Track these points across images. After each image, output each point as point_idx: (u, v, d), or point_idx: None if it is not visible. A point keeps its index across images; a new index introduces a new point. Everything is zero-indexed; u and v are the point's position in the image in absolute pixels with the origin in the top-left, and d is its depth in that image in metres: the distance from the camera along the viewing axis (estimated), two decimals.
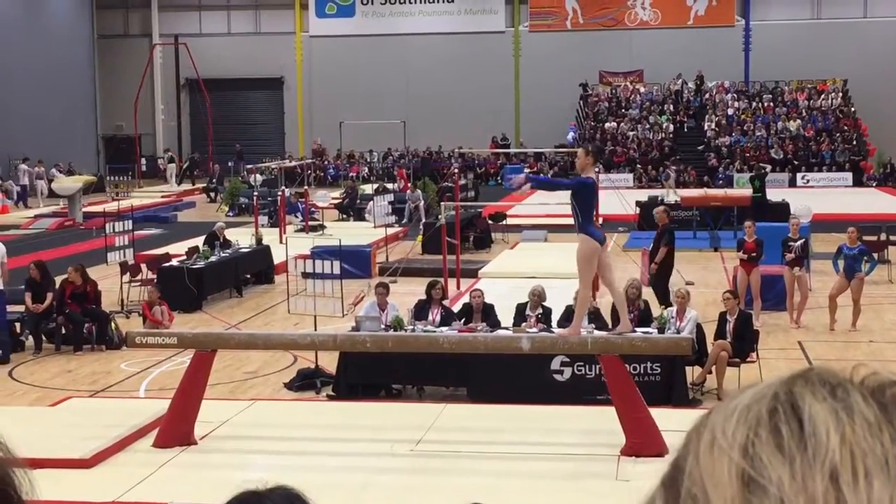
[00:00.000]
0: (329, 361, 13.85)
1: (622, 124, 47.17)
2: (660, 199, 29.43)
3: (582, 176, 10.52)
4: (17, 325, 16.29)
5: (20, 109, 43.61)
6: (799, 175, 42.68)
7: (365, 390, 13.36)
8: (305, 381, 13.78)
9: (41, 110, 44.94)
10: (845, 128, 45.44)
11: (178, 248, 22.77)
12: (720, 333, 13.77)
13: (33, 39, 45.26)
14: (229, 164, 44.61)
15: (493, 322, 13.81)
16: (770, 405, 0.77)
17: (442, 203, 22.14)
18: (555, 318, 14.01)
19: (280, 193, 28.57)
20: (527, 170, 44.83)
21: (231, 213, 34.32)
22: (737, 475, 0.74)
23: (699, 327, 13.56)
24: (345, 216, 32.76)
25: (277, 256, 21.12)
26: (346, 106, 48.04)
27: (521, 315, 14.00)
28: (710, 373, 13.35)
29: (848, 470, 0.73)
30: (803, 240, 17.22)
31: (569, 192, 10.41)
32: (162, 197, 41.00)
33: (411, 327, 13.36)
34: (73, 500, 9.44)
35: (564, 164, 45.67)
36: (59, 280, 16.86)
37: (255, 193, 28.69)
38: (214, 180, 41.91)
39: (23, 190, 38.99)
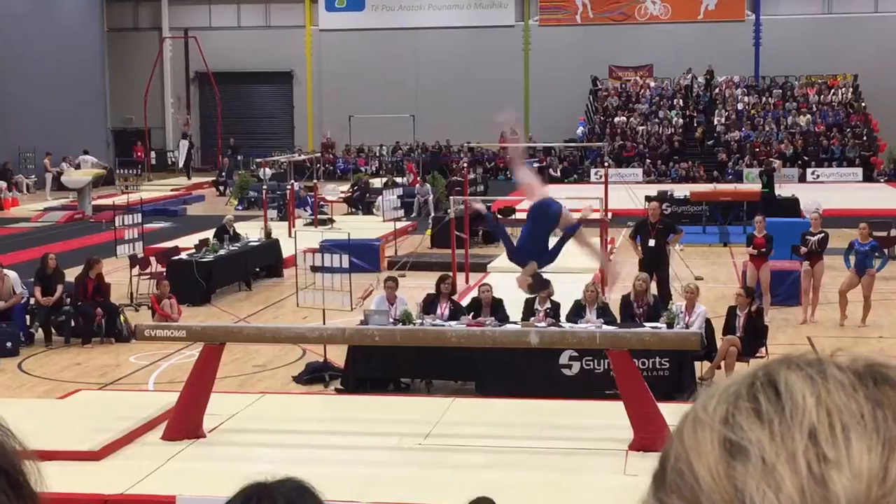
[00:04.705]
0: (338, 355, 13.87)
1: (632, 119, 47.10)
2: (669, 193, 29.39)
3: None
4: (28, 317, 16.34)
5: (30, 103, 43.62)
6: (809, 171, 42.54)
7: (373, 384, 13.38)
8: (314, 375, 13.80)
9: (51, 104, 44.93)
10: (855, 123, 45.29)
11: (188, 242, 22.77)
12: (729, 328, 13.75)
13: (43, 33, 45.24)
14: (224, 158, 44.39)
15: (501, 316, 13.80)
16: (748, 382, 0.80)
17: (451, 197, 22.13)
18: (563, 312, 14.01)
19: (289, 187, 28.57)
20: (535, 165, 44.93)
21: (240, 207, 34.35)
22: (718, 442, 0.77)
23: (708, 322, 13.54)
24: (354, 210, 32.77)
25: (286, 250, 21.12)
26: (355, 100, 48.03)
27: (529, 309, 14.00)
28: (719, 367, 13.34)
29: (825, 427, 0.75)
30: (823, 234, 16.96)
31: None
32: (171, 190, 41.01)
33: (420, 321, 13.37)
34: (81, 493, 9.45)
35: (574, 159, 45.64)
36: (67, 273, 16.91)
37: (265, 187, 28.67)
38: (224, 174, 41.91)
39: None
